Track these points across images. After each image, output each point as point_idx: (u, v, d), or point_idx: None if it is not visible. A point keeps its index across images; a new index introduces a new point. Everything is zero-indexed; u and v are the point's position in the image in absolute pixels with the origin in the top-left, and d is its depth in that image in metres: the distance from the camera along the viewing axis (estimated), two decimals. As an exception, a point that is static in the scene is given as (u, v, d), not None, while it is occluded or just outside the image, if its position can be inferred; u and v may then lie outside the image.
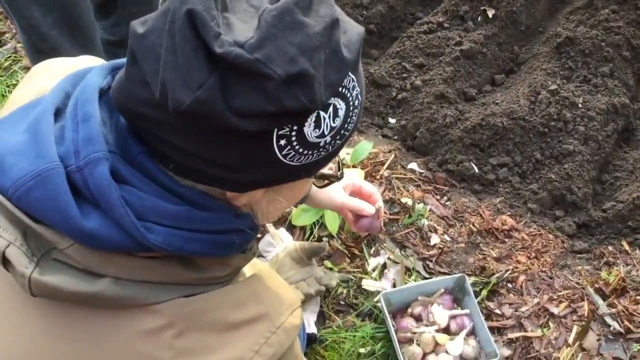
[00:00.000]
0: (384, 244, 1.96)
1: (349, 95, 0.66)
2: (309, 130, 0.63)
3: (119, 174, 0.65)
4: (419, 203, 2.07)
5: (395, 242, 1.98)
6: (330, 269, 1.88)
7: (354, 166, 1.96)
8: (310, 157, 0.66)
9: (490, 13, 2.67)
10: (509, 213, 2.10)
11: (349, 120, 0.68)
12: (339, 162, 0.90)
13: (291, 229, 1.95)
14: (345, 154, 1.99)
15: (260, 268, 0.87)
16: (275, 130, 0.61)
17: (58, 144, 0.65)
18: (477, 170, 2.21)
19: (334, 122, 0.65)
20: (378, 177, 2.13)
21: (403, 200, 2.06)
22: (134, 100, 0.63)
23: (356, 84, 0.67)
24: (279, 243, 1.87)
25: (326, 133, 0.66)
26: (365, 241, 1.95)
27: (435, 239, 1.99)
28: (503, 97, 2.41)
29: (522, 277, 1.90)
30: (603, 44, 2.47)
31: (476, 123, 2.24)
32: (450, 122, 2.29)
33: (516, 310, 1.83)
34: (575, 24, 2.58)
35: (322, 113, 0.63)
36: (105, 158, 0.63)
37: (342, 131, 0.68)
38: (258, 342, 0.73)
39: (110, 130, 0.68)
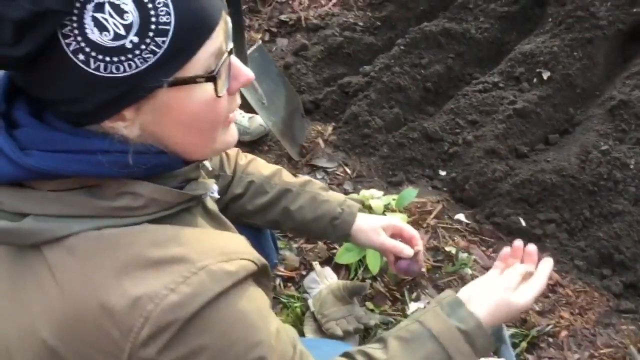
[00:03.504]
0: (426, 290, 2.01)
1: None
2: (94, 36, 0.62)
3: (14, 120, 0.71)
4: (463, 252, 2.11)
5: (437, 289, 2.02)
6: (372, 310, 1.94)
7: (399, 211, 2.04)
8: (133, 63, 0.64)
9: (546, 75, 2.73)
10: (555, 268, 2.09)
11: (152, 12, 0.63)
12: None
13: (336, 268, 2.04)
14: (391, 199, 2.08)
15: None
16: (64, 45, 0.62)
17: None
18: (524, 225, 2.23)
19: (124, 19, 0.62)
20: (424, 225, 2.20)
21: (447, 248, 2.11)
22: None
23: None
24: (323, 281, 1.96)
25: (123, 33, 0.62)
26: (407, 286, 2.01)
27: (477, 289, 2.01)
28: (554, 156, 2.45)
29: (564, 332, 1.90)
30: (659, 107, 2.48)
31: (525, 178, 2.28)
32: (500, 176, 2.34)
33: (555, 365, 1.82)
34: (631, 88, 2.61)
35: (97, 14, 0.61)
36: None
37: (157, 26, 0.63)
38: (175, 281, 0.69)
39: None
